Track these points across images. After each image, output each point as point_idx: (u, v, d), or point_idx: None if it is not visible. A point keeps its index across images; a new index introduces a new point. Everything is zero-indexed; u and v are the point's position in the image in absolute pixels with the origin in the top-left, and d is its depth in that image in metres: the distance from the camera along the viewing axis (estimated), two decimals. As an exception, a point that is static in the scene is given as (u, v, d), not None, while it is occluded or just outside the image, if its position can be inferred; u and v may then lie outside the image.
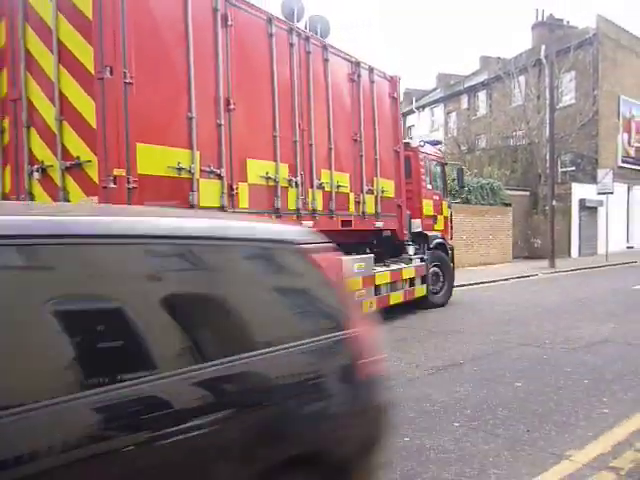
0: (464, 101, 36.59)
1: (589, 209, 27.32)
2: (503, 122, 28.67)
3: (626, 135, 31.35)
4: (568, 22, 31.91)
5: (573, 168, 28.89)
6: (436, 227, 12.15)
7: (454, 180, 15.60)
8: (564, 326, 8.91)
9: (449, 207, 13.16)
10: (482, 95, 34.71)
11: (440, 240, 12.03)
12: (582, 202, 26.74)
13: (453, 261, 12.84)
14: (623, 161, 30.78)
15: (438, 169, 12.60)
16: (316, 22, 15.92)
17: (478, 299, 12.61)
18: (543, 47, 27.15)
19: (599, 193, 24.31)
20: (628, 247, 30.98)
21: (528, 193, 26.96)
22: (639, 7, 61.76)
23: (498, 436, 4.39)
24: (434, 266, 11.73)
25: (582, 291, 13.73)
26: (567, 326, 8.90)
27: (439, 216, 12.32)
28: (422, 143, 12.10)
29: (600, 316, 9.72)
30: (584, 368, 6.30)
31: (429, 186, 11.95)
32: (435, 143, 13.76)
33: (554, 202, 21.59)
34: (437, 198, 12.30)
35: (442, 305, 11.73)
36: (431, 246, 11.62)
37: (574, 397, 5.30)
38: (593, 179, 25.51)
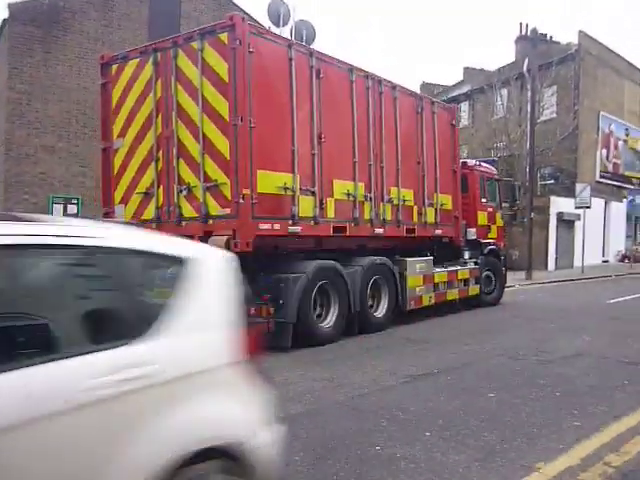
0: (447, 111, 37.06)
1: (567, 222, 27.36)
2: (485, 134, 28.66)
3: (605, 151, 31.54)
4: (551, 37, 31.41)
5: (552, 181, 28.89)
6: (490, 235, 13.80)
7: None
8: (539, 338, 8.98)
9: (502, 218, 14.78)
10: (464, 106, 34.64)
11: (493, 247, 13.69)
12: (560, 215, 26.76)
13: (505, 266, 14.47)
14: (601, 176, 30.92)
15: (493, 184, 14.25)
16: (302, 27, 17.38)
17: (451, 309, 12.10)
18: (526, 61, 27.02)
19: (577, 207, 24.64)
20: (604, 261, 31.19)
21: (507, 205, 27.40)
22: (621, 25, 61.13)
23: (469, 447, 4.37)
24: (487, 270, 13.41)
25: (558, 303, 13.91)
26: (542, 338, 8.97)
27: (493, 226, 13.97)
28: (478, 163, 13.85)
29: (575, 329, 9.79)
30: (557, 380, 6.34)
31: (484, 199, 13.62)
32: (490, 162, 15.40)
33: (532, 214, 21.81)
34: (491, 210, 13.96)
35: (494, 304, 13.38)
36: (484, 252, 13.31)
37: (546, 409, 5.30)
38: (571, 193, 25.68)
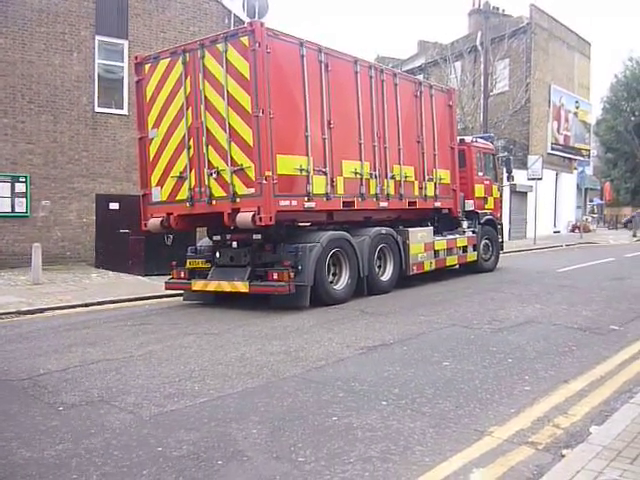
0: (402, 84, 37.57)
1: (519, 194, 28.13)
2: None
3: (556, 123, 32.41)
4: (504, 10, 32.10)
5: (505, 154, 29.18)
6: (487, 206, 15.01)
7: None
8: (492, 307, 9.22)
9: (499, 190, 15.97)
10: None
11: (489, 217, 14.92)
12: (513, 187, 26.73)
13: (502, 235, 15.72)
14: (552, 148, 31.78)
15: (489, 159, 15.43)
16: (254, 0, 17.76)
17: (409, 281, 12.01)
18: (479, 34, 27.63)
19: (529, 179, 25.40)
20: (555, 231, 32.36)
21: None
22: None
23: (424, 414, 4.50)
24: (485, 239, 14.65)
25: (511, 273, 14.36)
26: (494, 307, 9.22)
27: (489, 197, 15.17)
28: (475, 139, 15.02)
29: (526, 297, 10.10)
30: (509, 347, 6.54)
31: (480, 173, 14.81)
32: (487, 138, 16.53)
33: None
34: (488, 183, 15.16)
35: (491, 270, 14.65)
36: (481, 222, 14.54)
37: (498, 375, 5.49)
38: (524, 165, 26.23)
